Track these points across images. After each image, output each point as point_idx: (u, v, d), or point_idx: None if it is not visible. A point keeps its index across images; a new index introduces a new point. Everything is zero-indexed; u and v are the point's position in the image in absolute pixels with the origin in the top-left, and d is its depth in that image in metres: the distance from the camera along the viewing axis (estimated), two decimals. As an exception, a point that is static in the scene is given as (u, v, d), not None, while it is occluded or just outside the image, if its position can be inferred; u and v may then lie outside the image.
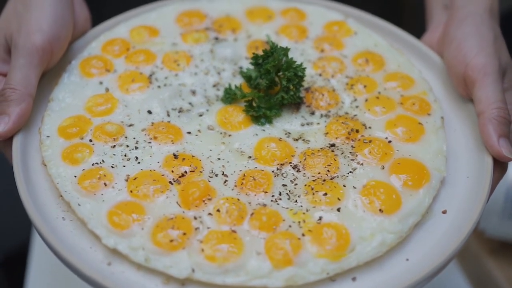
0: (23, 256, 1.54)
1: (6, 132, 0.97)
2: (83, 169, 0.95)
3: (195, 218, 0.90)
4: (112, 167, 0.95)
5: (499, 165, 1.00)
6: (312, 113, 1.05)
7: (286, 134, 1.02)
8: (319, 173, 0.96)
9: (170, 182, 0.94)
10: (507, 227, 1.49)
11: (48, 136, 0.99)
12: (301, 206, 0.92)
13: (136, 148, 0.98)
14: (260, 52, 1.04)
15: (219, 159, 0.98)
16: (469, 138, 1.04)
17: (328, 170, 0.96)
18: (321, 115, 1.05)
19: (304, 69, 1.04)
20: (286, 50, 1.03)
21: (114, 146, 0.98)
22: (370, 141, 1.00)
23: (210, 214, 0.90)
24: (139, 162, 0.96)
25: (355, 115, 1.04)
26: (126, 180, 0.94)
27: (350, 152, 0.99)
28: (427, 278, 0.87)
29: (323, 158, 0.98)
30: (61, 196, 0.93)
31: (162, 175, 0.95)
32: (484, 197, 0.95)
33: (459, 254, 1.59)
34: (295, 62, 1.04)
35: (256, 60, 1.04)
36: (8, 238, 1.86)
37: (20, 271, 1.54)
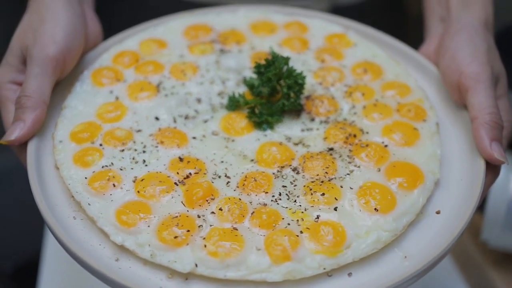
0: (34, 268, 1.56)
1: (21, 137, 1.02)
2: (93, 171, 1.00)
3: (199, 216, 0.94)
4: (121, 169, 1.00)
5: (492, 168, 1.04)
6: (312, 120, 1.10)
7: (286, 139, 1.07)
8: (317, 175, 1.01)
9: (175, 183, 0.99)
10: (510, 238, 1.51)
11: (60, 141, 1.04)
12: (300, 205, 0.97)
13: (144, 152, 1.03)
14: (263, 62, 1.09)
15: (222, 162, 1.03)
16: (463, 143, 1.08)
17: (326, 172, 1.01)
18: (321, 121, 1.10)
19: (304, 77, 1.09)
20: (286, 59, 1.08)
21: (123, 150, 1.03)
22: (367, 145, 1.04)
23: (213, 212, 0.95)
24: (146, 165, 1.01)
25: (353, 121, 1.09)
26: (134, 181, 0.99)
27: (348, 156, 1.03)
28: (420, 273, 0.91)
29: (322, 161, 1.02)
30: (73, 196, 0.98)
31: (168, 176, 0.99)
32: (476, 198, 0.98)
33: (462, 265, 1.62)
34: (295, 70, 1.09)
35: (258, 69, 1.09)
36: (19, 250, 1.90)
37: (31, 282, 1.57)
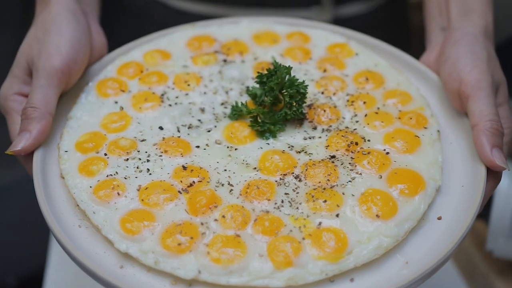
0: (38, 281, 1.57)
1: (27, 147, 1.03)
2: (98, 180, 1.01)
3: (202, 224, 0.96)
4: (125, 178, 1.02)
5: (493, 175, 1.04)
6: (314, 128, 1.11)
7: (289, 147, 1.08)
8: (319, 182, 1.02)
9: (179, 191, 1.00)
10: (514, 248, 1.52)
11: (66, 151, 1.06)
12: (302, 212, 0.97)
13: (148, 161, 1.05)
14: (265, 72, 1.11)
15: (225, 170, 1.04)
16: (464, 149, 1.09)
17: (328, 180, 1.02)
18: (323, 130, 1.11)
19: (306, 86, 1.10)
20: (288, 68, 1.09)
21: (127, 159, 1.05)
22: (368, 153, 1.05)
23: (216, 220, 0.96)
24: (150, 174, 1.03)
25: (355, 129, 1.10)
26: (138, 190, 1.00)
27: (350, 163, 1.04)
28: (421, 279, 0.91)
29: (324, 168, 1.03)
30: (78, 205, 0.99)
31: (172, 185, 1.01)
32: (477, 204, 0.99)
33: (468, 274, 1.62)
34: (297, 80, 1.10)
35: (260, 79, 1.11)
36: (23, 263, 1.91)
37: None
